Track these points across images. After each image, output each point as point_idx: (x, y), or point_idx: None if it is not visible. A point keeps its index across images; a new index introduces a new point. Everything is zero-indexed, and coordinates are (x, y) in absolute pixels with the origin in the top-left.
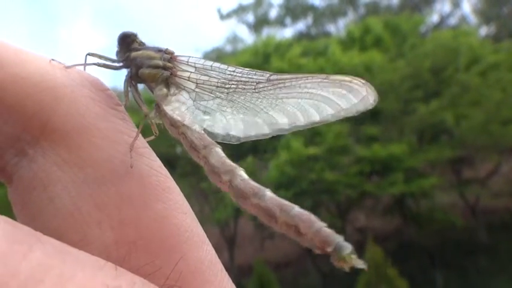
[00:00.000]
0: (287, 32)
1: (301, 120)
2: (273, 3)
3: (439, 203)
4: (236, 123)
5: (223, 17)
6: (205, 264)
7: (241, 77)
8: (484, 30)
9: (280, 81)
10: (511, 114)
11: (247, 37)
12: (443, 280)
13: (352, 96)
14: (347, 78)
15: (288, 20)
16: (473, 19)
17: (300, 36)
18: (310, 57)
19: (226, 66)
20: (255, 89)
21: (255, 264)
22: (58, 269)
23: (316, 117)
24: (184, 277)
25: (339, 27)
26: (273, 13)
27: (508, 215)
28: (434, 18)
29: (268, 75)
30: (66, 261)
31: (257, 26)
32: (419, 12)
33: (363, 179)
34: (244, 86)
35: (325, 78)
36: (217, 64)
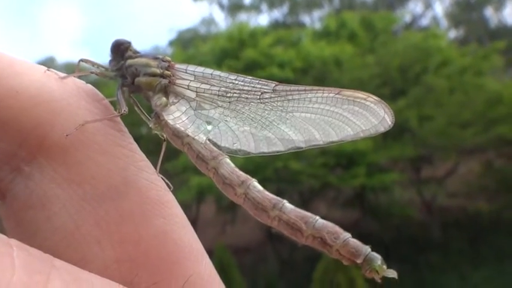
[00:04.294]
0: (262, 19)
1: (318, 139)
2: None
3: (397, 199)
4: (245, 136)
5: None
6: (205, 279)
7: (243, 85)
8: (453, 33)
9: (288, 93)
10: (471, 117)
11: (222, 21)
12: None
13: (369, 115)
14: (362, 95)
15: (264, 7)
16: (444, 22)
17: (276, 25)
18: (282, 47)
19: (227, 74)
20: (259, 99)
21: (216, 249)
22: None
23: (334, 137)
24: None
25: (313, 19)
26: None
27: (461, 214)
28: (407, 17)
29: (273, 85)
30: None
31: (231, 9)
32: (393, 10)
33: (327, 171)
34: (247, 95)
35: (337, 94)
36: (217, 72)
